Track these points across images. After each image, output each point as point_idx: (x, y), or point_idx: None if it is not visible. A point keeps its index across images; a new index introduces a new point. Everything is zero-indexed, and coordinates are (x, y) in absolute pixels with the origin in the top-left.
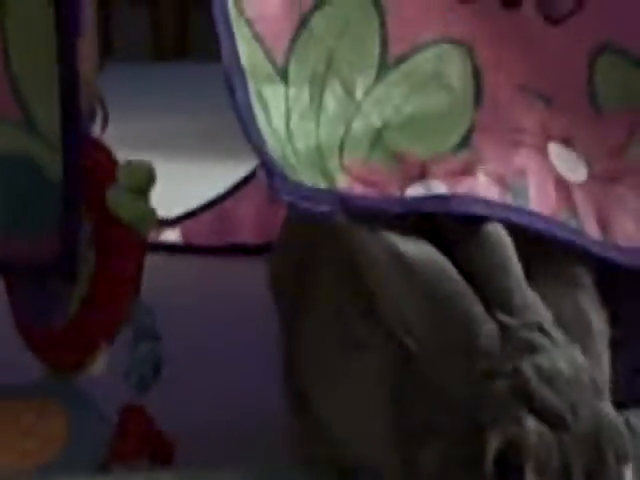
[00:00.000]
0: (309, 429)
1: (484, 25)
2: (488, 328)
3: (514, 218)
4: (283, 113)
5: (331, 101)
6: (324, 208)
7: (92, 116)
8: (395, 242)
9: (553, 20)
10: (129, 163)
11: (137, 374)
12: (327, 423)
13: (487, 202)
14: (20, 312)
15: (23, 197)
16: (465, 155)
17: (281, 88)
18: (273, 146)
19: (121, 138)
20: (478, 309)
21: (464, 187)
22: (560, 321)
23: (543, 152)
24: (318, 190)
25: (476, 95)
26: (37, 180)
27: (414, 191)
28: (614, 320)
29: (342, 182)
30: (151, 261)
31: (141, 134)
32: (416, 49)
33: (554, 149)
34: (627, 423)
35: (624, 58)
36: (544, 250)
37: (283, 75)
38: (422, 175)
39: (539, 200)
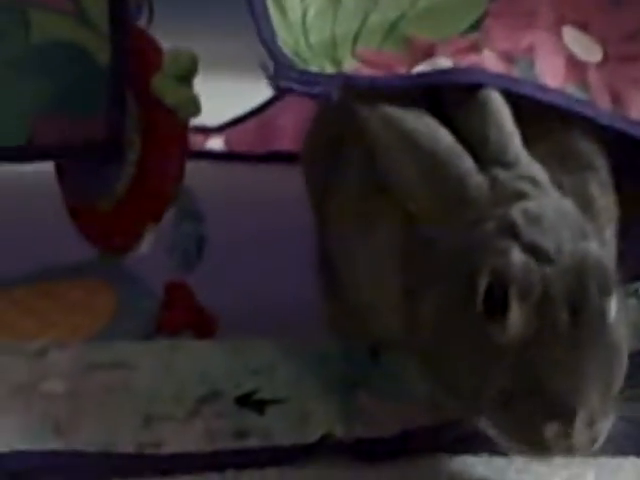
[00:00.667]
0: (339, 312)
1: None
2: (478, 179)
3: (518, 88)
4: (300, 10)
5: (350, 2)
6: (317, 90)
7: (139, 8)
8: (393, 111)
9: None
10: (174, 51)
11: (180, 251)
12: (354, 302)
13: (491, 73)
14: (70, 195)
15: (74, 81)
16: (474, 36)
17: None
18: (286, 39)
19: None
20: (469, 164)
21: (469, 61)
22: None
23: (557, 33)
24: (321, 74)
25: None
26: (87, 66)
27: (420, 68)
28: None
29: (350, 66)
30: (196, 168)
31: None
32: None
33: (569, 32)
34: (636, 293)
35: None
36: (548, 128)
37: None
38: (430, 55)
39: (547, 74)
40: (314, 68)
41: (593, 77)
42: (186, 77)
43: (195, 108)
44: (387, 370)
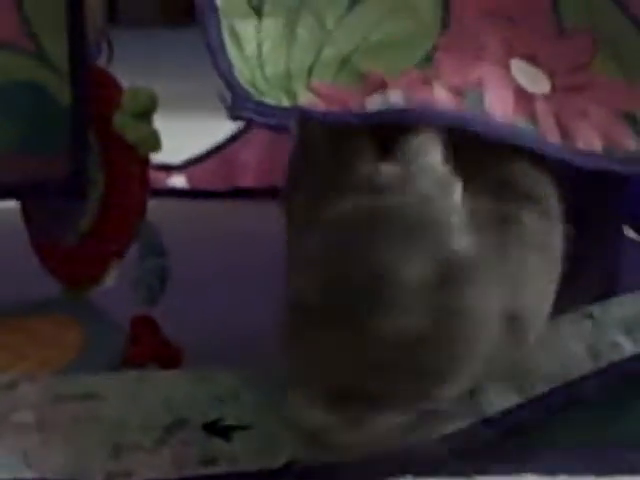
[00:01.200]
0: None
1: None
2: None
3: (469, 126)
4: (255, 44)
5: (303, 31)
6: (274, 121)
7: (98, 47)
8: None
9: None
10: (133, 89)
11: (144, 286)
12: None
13: (441, 111)
14: (35, 232)
15: (35, 121)
16: (425, 70)
17: (254, 22)
18: (242, 71)
19: None
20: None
21: (420, 97)
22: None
23: (504, 66)
24: (277, 107)
25: (443, 20)
26: (48, 105)
27: (373, 100)
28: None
29: (305, 99)
30: (159, 205)
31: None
32: None
33: (517, 64)
34: (591, 315)
35: None
36: (486, 160)
37: (257, 10)
38: (382, 87)
39: (496, 107)
40: (270, 100)
41: (541, 109)
42: (146, 114)
43: (155, 144)
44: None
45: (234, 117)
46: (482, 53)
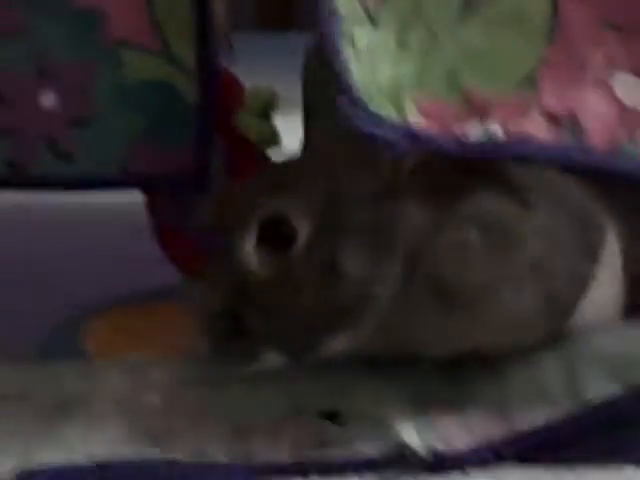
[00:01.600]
0: None
1: None
2: None
3: (566, 157)
4: (370, 52)
5: (415, 42)
6: (390, 136)
7: (222, 49)
8: None
9: None
10: (255, 89)
11: None
12: None
13: (539, 145)
14: (159, 223)
15: (163, 116)
16: (526, 93)
17: (370, 29)
18: (358, 76)
19: None
20: None
21: (519, 128)
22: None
23: (607, 85)
24: (388, 120)
25: (550, 31)
26: (176, 102)
27: (472, 128)
28: None
29: (412, 116)
30: None
31: None
32: None
33: (621, 79)
34: None
35: None
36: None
37: (374, 18)
38: (483, 113)
39: (594, 136)
40: (382, 112)
41: None
42: (267, 112)
43: (276, 140)
44: (456, 386)
45: (344, 122)
46: (583, 73)
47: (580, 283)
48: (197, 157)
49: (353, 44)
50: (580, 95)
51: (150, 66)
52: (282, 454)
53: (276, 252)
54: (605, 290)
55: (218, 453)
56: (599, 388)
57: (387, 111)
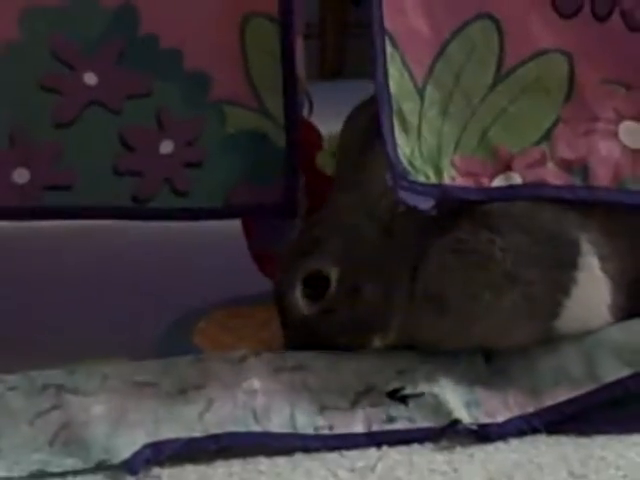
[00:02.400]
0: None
1: (581, 35)
2: None
3: (572, 196)
4: (417, 122)
5: (454, 109)
6: (424, 205)
7: (303, 103)
8: None
9: (633, 28)
10: (332, 134)
11: None
12: None
13: (550, 187)
14: (255, 244)
15: (259, 159)
16: (543, 147)
17: (418, 103)
18: (403, 148)
19: None
20: None
21: (535, 175)
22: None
23: (613, 134)
24: (426, 184)
25: (567, 93)
26: (268, 148)
27: (498, 181)
28: None
29: (448, 176)
30: None
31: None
32: (525, 60)
33: (627, 127)
34: None
35: None
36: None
37: (420, 94)
38: (507, 167)
39: (599, 176)
40: (421, 178)
41: None
42: None
43: None
44: (496, 371)
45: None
46: (594, 125)
47: (559, 288)
48: (286, 191)
49: (402, 118)
50: (590, 144)
51: (247, 119)
52: (357, 428)
53: (316, 297)
54: (589, 292)
55: (307, 426)
56: (613, 371)
57: (427, 174)
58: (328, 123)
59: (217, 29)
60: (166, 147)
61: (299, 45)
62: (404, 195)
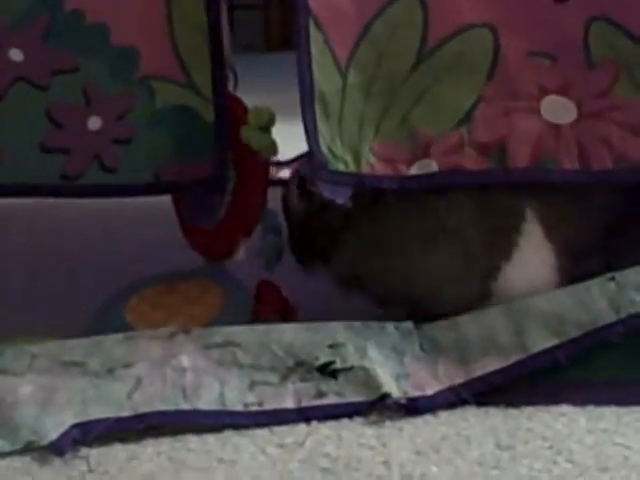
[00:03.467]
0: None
1: (507, 6)
2: None
3: (487, 180)
4: (338, 106)
5: (376, 90)
6: (341, 199)
7: (229, 77)
8: None
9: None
10: (256, 108)
11: (265, 257)
12: None
13: (466, 174)
14: (185, 219)
15: (188, 134)
16: (462, 130)
17: (340, 86)
18: (324, 133)
19: None
20: None
21: (452, 162)
22: None
23: (534, 110)
24: (344, 173)
25: (490, 70)
26: (196, 123)
27: (415, 169)
28: None
29: (367, 163)
30: (272, 192)
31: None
32: (449, 36)
33: (548, 100)
34: (613, 279)
35: (610, 24)
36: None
37: (343, 76)
38: (425, 154)
39: (516, 157)
40: (341, 166)
41: (564, 137)
42: (266, 128)
43: (274, 150)
44: (424, 343)
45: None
46: (516, 103)
47: (500, 251)
48: (215, 166)
49: (324, 103)
50: (510, 123)
51: (176, 94)
52: (287, 403)
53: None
54: (531, 258)
55: (236, 402)
56: (541, 341)
57: (346, 161)
58: (274, 94)
59: (143, 3)
60: (94, 123)
61: (224, 19)
62: (322, 187)
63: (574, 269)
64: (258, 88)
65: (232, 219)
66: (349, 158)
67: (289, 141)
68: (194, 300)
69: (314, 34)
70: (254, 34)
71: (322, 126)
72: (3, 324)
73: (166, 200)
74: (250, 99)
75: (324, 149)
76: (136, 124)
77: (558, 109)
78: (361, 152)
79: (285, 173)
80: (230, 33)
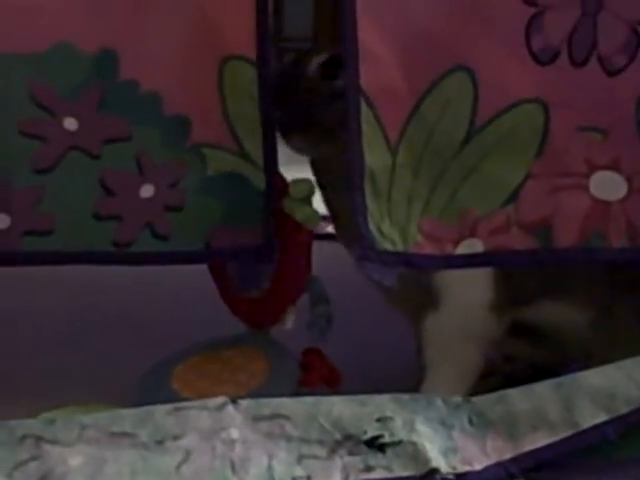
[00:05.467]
0: None
1: (558, 82)
2: None
3: (532, 262)
4: (387, 184)
5: (425, 168)
6: (389, 281)
7: None
8: None
9: (611, 73)
10: (296, 180)
11: (316, 327)
12: None
13: (513, 253)
14: (226, 288)
15: (239, 202)
16: (509, 209)
17: (390, 164)
18: (373, 212)
19: None
20: None
21: (498, 243)
22: None
23: (583, 187)
24: (391, 253)
25: (540, 146)
26: (247, 190)
27: (461, 249)
28: None
29: (414, 242)
30: (317, 247)
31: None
32: (500, 112)
33: (598, 177)
34: None
35: None
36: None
37: (393, 154)
38: (472, 233)
39: (562, 238)
40: (388, 245)
41: (614, 214)
42: (307, 198)
43: (316, 220)
44: (473, 416)
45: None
46: (563, 180)
47: None
48: (265, 233)
49: (373, 180)
50: (557, 201)
51: (227, 162)
52: (335, 478)
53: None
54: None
55: (285, 477)
56: (590, 417)
57: (394, 240)
58: None
59: (195, 72)
60: (147, 191)
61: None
62: (371, 268)
63: None
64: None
65: (278, 287)
66: (397, 237)
67: None
68: (240, 368)
69: (365, 112)
70: None
71: (371, 205)
72: (53, 390)
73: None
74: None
75: (372, 228)
76: (188, 191)
77: (608, 185)
78: (409, 231)
79: (329, 227)
80: None
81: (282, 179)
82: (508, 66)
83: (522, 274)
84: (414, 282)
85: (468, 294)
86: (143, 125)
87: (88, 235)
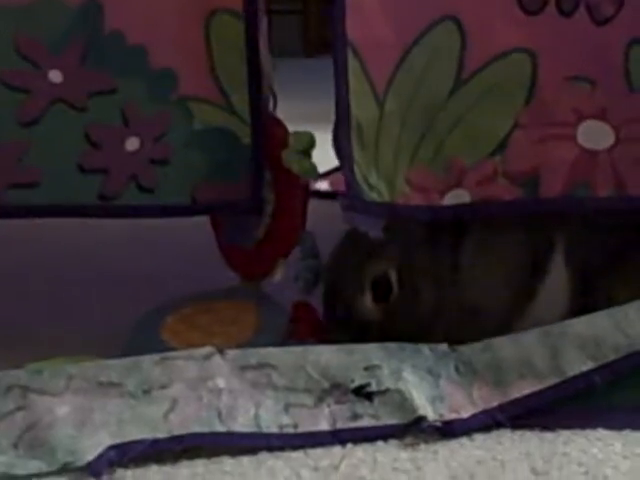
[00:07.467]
0: None
1: (546, 31)
2: None
3: (518, 211)
4: (374, 135)
5: (412, 119)
6: (375, 232)
7: (268, 95)
8: None
9: (599, 22)
10: (297, 133)
11: (303, 280)
12: None
13: (500, 203)
14: (222, 239)
15: (225, 156)
16: (497, 159)
17: (377, 115)
18: (360, 163)
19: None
20: None
21: (484, 194)
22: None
23: (570, 137)
24: (379, 204)
25: (528, 97)
26: (234, 144)
27: (448, 199)
28: None
29: (401, 193)
30: (311, 204)
31: (301, 113)
32: (488, 62)
33: (586, 126)
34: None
35: None
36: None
37: (380, 105)
38: (459, 183)
39: (549, 188)
40: (375, 196)
41: (601, 163)
42: (307, 151)
43: (314, 173)
44: (460, 366)
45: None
46: (551, 130)
47: (537, 272)
48: (252, 188)
49: (360, 132)
50: (544, 150)
51: (215, 116)
52: (322, 426)
53: (383, 301)
54: (553, 283)
55: (271, 424)
56: (577, 365)
57: (380, 191)
58: (311, 100)
59: (182, 25)
60: (132, 144)
61: (264, 40)
62: (357, 219)
63: (585, 293)
64: (296, 94)
65: (271, 240)
66: (383, 188)
67: (327, 149)
68: (230, 320)
69: (352, 63)
70: (292, 39)
71: (358, 155)
72: (41, 342)
73: (203, 218)
74: (288, 105)
75: (359, 179)
76: (174, 145)
77: (595, 134)
78: (396, 181)
79: (322, 185)
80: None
81: (284, 129)
82: (496, 16)
83: None
84: None
85: None
86: (129, 78)
87: (73, 188)
